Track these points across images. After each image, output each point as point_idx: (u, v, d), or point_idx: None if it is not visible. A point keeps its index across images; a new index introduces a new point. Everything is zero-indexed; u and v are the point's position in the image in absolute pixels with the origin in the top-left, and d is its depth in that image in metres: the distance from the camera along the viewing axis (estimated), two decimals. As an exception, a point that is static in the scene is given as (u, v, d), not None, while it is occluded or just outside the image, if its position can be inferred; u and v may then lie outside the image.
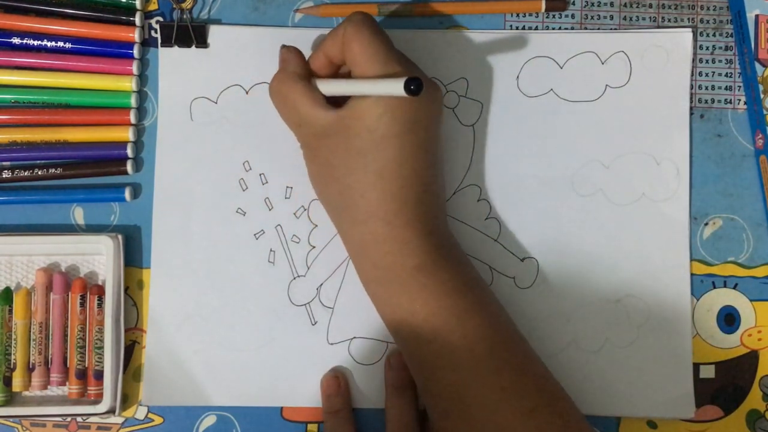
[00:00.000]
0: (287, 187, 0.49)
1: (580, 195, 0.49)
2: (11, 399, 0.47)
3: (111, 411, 0.46)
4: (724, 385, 0.49)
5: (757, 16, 0.49)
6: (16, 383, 0.46)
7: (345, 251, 0.45)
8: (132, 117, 0.48)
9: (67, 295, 0.47)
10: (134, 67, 0.48)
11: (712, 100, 0.50)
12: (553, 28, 0.50)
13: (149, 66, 0.49)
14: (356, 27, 0.41)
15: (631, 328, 0.48)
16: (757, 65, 0.49)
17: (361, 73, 0.41)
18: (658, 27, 0.50)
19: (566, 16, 0.50)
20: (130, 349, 0.48)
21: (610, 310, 0.48)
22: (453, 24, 0.50)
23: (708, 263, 0.49)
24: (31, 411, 0.46)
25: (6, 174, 0.48)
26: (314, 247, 0.48)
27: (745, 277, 0.49)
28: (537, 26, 0.50)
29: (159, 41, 0.49)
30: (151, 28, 0.49)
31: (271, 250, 0.48)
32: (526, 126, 0.49)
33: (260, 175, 0.49)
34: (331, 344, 0.48)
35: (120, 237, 0.47)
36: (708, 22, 0.50)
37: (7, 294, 0.47)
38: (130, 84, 0.48)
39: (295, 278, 0.48)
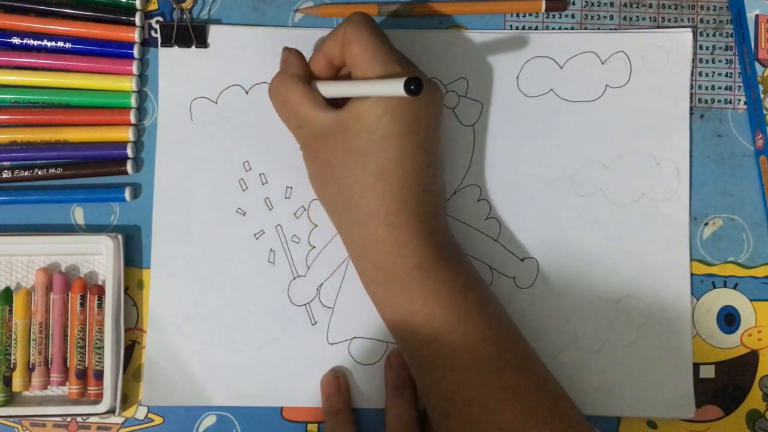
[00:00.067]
0: (287, 187, 0.49)
1: (580, 195, 0.49)
2: (11, 399, 0.47)
3: (111, 411, 0.46)
4: (724, 385, 0.49)
5: (757, 16, 0.49)
6: (16, 383, 0.46)
7: (345, 251, 0.45)
8: (132, 117, 0.48)
9: (67, 295, 0.47)
10: (134, 67, 0.48)
11: (712, 100, 0.50)
12: (553, 28, 0.50)
13: (149, 66, 0.49)
14: (356, 28, 0.41)
15: (631, 328, 0.48)
16: (757, 65, 0.49)
17: (361, 73, 0.41)
18: (658, 27, 0.50)
19: (566, 16, 0.50)
20: (130, 349, 0.48)
21: (610, 310, 0.48)
22: (453, 24, 0.50)
23: (708, 263, 0.49)
24: (31, 411, 0.46)
25: (6, 174, 0.48)
26: (314, 247, 0.48)
27: (745, 277, 0.49)
28: (537, 26, 0.50)
29: (159, 41, 0.49)
30: (151, 28, 0.49)
31: (271, 250, 0.48)
32: (526, 126, 0.49)
33: (260, 175, 0.49)
34: (331, 344, 0.48)
35: (120, 237, 0.47)
36: (708, 22, 0.50)
37: (7, 294, 0.47)
38: (130, 84, 0.48)
39: (295, 278, 0.48)
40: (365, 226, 0.42)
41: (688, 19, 0.50)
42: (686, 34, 0.50)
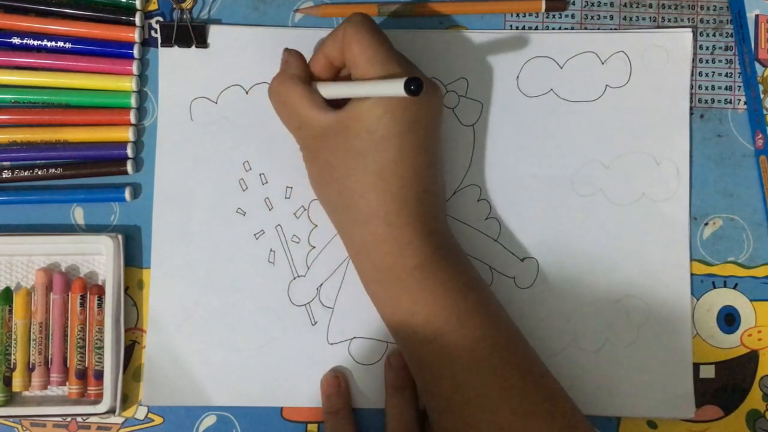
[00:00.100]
0: (287, 187, 0.49)
1: (580, 195, 0.49)
2: (11, 399, 0.47)
3: (111, 411, 0.46)
4: (724, 385, 0.49)
5: (757, 16, 0.49)
6: (16, 383, 0.46)
7: (345, 251, 0.45)
8: (132, 117, 0.48)
9: (67, 295, 0.47)
10: (134, 67, 0.48)
11: (712, 100, 0.50)
12: (553, 28, 0.50)
13: (149, 66, 0.49)
14: (355, 28, 0.41)
15: (631, 328, 0.48)
16: (757, 65, 0.49)
17: (361, 74, 0.41)
18: (658, 27, 0.50)
19: (566, 16, 0.50)
20: (130, 349, 0.48)
21: (610, 310, 0.48)
22: (453, 24, 0.50)
23: (708, 263, 0.49)
24: (31, 411, 0.46)
25: (6, 174, 0.48)
26: (314, 247, 0.48)
27: (745, 277, 0.49)
28: (537, 26, 0.50)
29: (159, 41, 0.49)
30: (151, 28, 0.49)
31: (271, 250, 0.48)
32: (526, 126, 0.49)
33: (260, 175, 0.49)
34: (331, 344, 0.48)
35: (120, 237, 0.47)
36: (708, 22, 0.50)
37: (7, 294, 0.47)
38: (130, 84, 0.48)
39: (295, 278, 0.48)
40: (365, 226, 0.42)
41: (688, 19, 0.50)
42: (686, 34, 0.50)
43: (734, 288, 0.49)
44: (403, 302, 0.42)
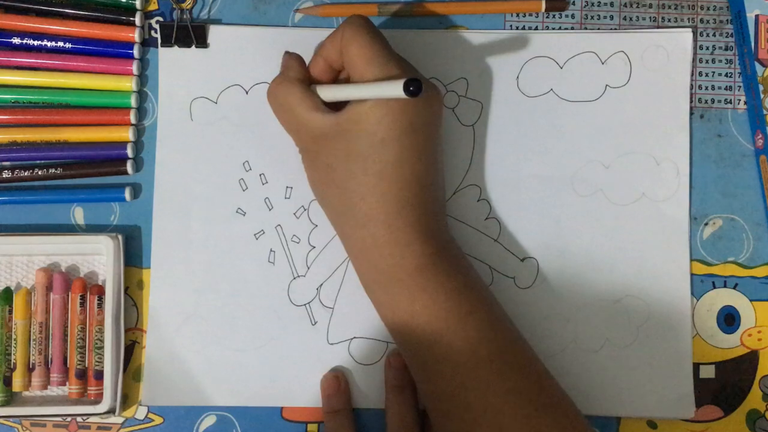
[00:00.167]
0: (287, 187, 0.49)
1: (580, 195, 0.49)
2: (11, 399, 0.47)
3: (111, 411, 0.46)
4: (724, 385, 0.49)
5: (757, 16, 0.49)
6: (16, 383, 0.46)
7: (345, 251, 0.45)
8: (132, 117, 0.48)
9: (67, 295, 0.47)
10: (134, 67, 0.48)
11: (712, 100, 0.50)
12: (553, 28, 0.50)
13: (149, 66, 0.49)
14: (354, 30, 0.41)
15: (631, 328, 0.48)
16: (757, 65, 0.49)
17: (360, 76, 0.41)
18: (658, 27, 0.50)
19: (566, 16, 0.50)
20: (130, 349, 0.48)
21: (610, 310, 0.48)
22: (453, 24, 0.50)
23: (708, 263, 0.49)
24: (31, 411, 0.46)
25: (6, 174, 0.48)
26: (314, 247, 0.48)
27: (745, 277, 0.49)
28: (537, 26, 0.50)
29: (159, 41, 0.49)
30: (151, 28, 0.49)
31: (271, 250, 0.48)
32: (526, 126, 0.49)
33: (260, 175, 0.49)
34: (331, 344, 0.48)
35: (120, 237, 0.47)
36: (708, 22, 0.50)
37: (7, 294, 0.47)
38: (130, 84, 0.48)
39: (295, 278, 0.48)
40: (365, 228, 0.42)
41: (688, 19, 0.50)
42: (686, 34, 0.50)
43: (734, 288, 0.49)
44: (402, 304, 0.42)
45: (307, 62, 0.45)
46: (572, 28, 0.50)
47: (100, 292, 0.47)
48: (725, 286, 0.49)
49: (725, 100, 0.50)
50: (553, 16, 0.50)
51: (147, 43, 0.49)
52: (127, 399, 0.48)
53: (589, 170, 0.49)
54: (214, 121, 0.49)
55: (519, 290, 0.48)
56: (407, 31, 0.49)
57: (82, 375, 0.47)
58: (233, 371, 0.48)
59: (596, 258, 0.48)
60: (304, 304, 0.48)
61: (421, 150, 0.42)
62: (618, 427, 0.48)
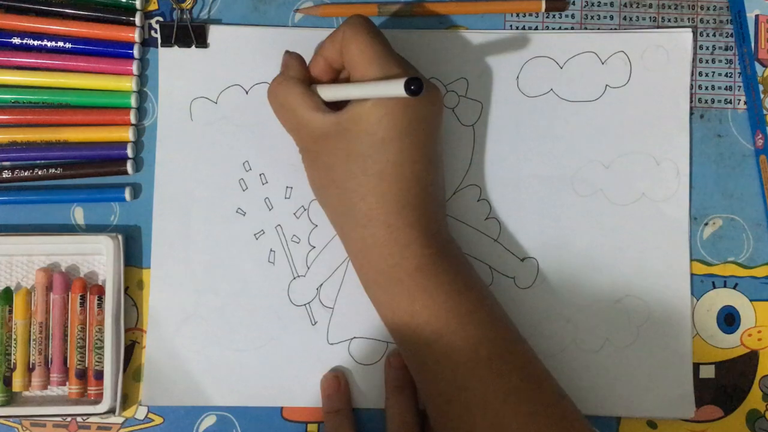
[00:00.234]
0: (287, 187, 0.49)
1: (580, 195, 0.49)
2: (11, 399, 0.47)
3: (111, 411, 0.46)
4: (724, 385, 0.49)
5: (757, 16, 0.49)
6: (16, 383, 0.46)
7: (345, 251, 0.45)
8: (132, 117, 0.48)
9: (67, 295, 0.47)
10: (134, 67, 0.48)
11: (712, 100, 0.50)
12: (553, 28, 0.50)
13: (149, 66, 0.49)
14: (354, 30, 0.41)
15: (631, 328, 0.48)
16: (757, 65, 0.49)
17: (360, 75, 0.41)
18: (658, 27, 0.50)
19: (566, 16, 0.50)
20: (130, 349, 0.48)
21: (610, 310, 0.48)
22: (453, 24, 0.50)
23: (708, 263, 0.49)
24: (31, 411, 0.46)
25: (6, 174, 0.48)
26: (314, 247, 0.48)
27: (745, 277, 0.49)
28: (537, 26, 0.50)
29: (159, 41, 0.49)
30: (151, 28, 0.49)
31: (271, 250, 0.48)
32: (526, 126, 0.49)
33: (260, 175, 0.49)
34: (331, 344, 0.48)
35: (120, 237, 0.47)
36: (708, 22, 0.50)
37: (7, 294, 0.47)
38: (130, 84, 0.48)
39: (295, 278, 0.48)
40: (365, 228, 0.42)
41: (688, 19, 0.50)
42: (686, 34, 0.50)
43: (734, 288, 0.49)
44: (402, 304, 0.42)
45: (307, 62, 0.45)
46: (572, 28, 0.50)
47: (100, 292, 0.47)
48: (725, 286, 0.49)
49: (725, 100, 0.50)
50: (553, 16, 0.50)
51: (147, 43, 0.49)
52: (127, 399, 0.48)
53: (589, 170, 0.49)
54: (214, 121, 0.49)
55: (519, 290, 0.48)
56: (407, 31, 0.49)
57: (82, 375, 0.47)
58: (233, 371, 0.48)
59: (596, 258, 0.48)
60: (304, 304, 0.48)
61: (422, 150, 0.42)
62: (618, 427, 0.48)
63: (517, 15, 0.50)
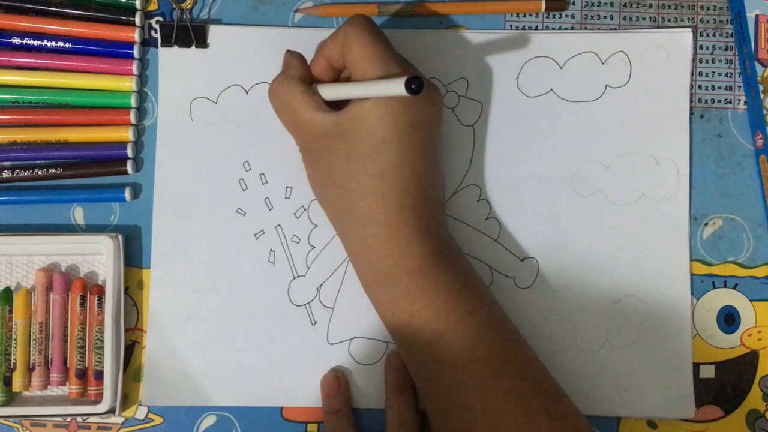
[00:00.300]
0: (287, 187, 0.49)
1: (580, 195, 0.49)
2: (11, 399, 0.47)
3: (111, 411, 0.46)
4: (724, 385, 0.49)
5: (757, 16, 0.49)
6: (16, 383, 0.46)
7: (345, 251, 0.45)
8: (132, 117, 0.48)
9: (67, 295, 0.47)
10: (134, 67, 0.48)
11: (712, 100, 0.50)
12: (553, 28, 0.50)
13: (149, 66, 0.49)
14: (356, 29, 0.41)
15: (631, 328, 0.48)
16: (757, 65, 0.49)
17: (361, 74, 0.41)
18: (658, 27, 0.50)
19: (566, 16, 0.50)
20: (130, 349, 0.48)
21: (610, 310, 0.48)
22: (453, 24, 0.50)
23: (708, 263, 0.49)
24: (31, 411, 0.46)
25: (6, 174, 0.48)
26: (314, 247, 0.48)
27: (745, 277, 0.49)
28: (537, 26, 0.50)
29: (159, 41, 0.49)
30: (151, 28, 0.49)
31: (271, 250, 0.48)
32: (526, 126, 0.49)
33: (260, 175, 0.49)
34: (331, 344, 0.48)
35: (120, 237, 0.47)
36: (708, 22, 0.50)
37: (7, 294, 0.47)
38: (130, 84, 0.48)
39: (295, 278, 0.48)
40: (365, 228, 0.42)
41: (688, 19, 0.50)
42: (686, 34, 0.50)
43: (734, 288, 0.49)
44: (402, 304, 0.42)
45: (308, 62, 0.45)
46: (572, 28, 0.50)
47: (100, 292, 0.47)
48: (725, 286, 0.49)
49: (725, 100, 0.50)
50: (553, 16, 0.50)
51: (147, 43, 0.49)
52: (127, 399, 0.48)
53: (589, 170, 0.49)
54: (214, 121, 0.49)
55: (519, 290, 0.48)
56: (407, 31, 0.49)
57: (82, 375, 0.47)
58: (233, 371, 0.48)
59: (596, 258, 0.48)
60: (304, 304, 0.48)
61: (422, 150, 0.42)
62: (618, 427, 0.48)
63: (517, 15, 0.50)
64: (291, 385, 0.48)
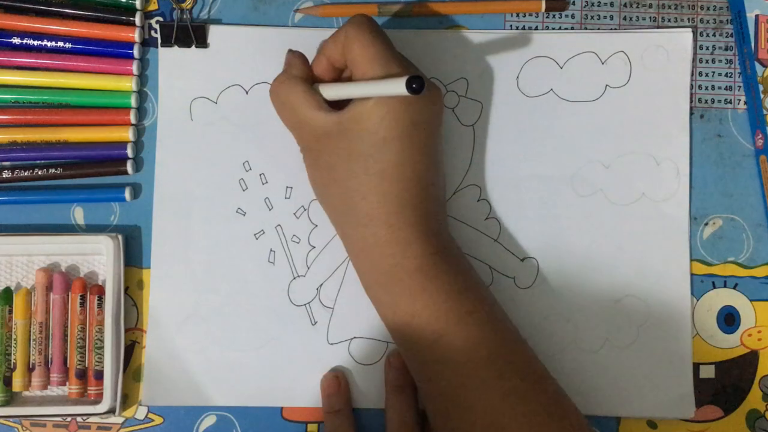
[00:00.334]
0: (287, 187, 0.49)
1: (580, 195, 0.49)
2: (11, 399, 0.47)
3: (111, 411, 0.46)
4: (724, 385, 0.49)
5: (757, 16, 0.49)
6: (16, 383, 0.46)
7: (345, 251, 0.45)
8: (132, 117, 0.48)
9: (67, 295, 0.47)
10: (134, 67, 0.48)
11: (712, 100, 0.50)
12: (553, 28, 0.50)
13: (149, 66, 0.49)
14: (357, 29, 0.41)
15: (631, 328, 0.48)
16: (757, 65, 0.49)
17: (362, 74, 0.41)
18: (658, 27, 0.50)
19: (566, 16, 0.50)
20: (130, 349, 0.48)
21: (610, 310, 0.48)
22: (453, 24, 0.50)
23: (708, 263, 0.49)
24: (31, 411, 0.46)
25: (6, 174, 0.48)
26: (314, 247, 0.48)
27: (745, 277, 0.49)
28: (537, 26, 0.50)
29: (159, 41, 0.49)
30: (151, 28, 0.49)
31: (271, 250, 0.48)
32: (526, 126, 0.49)
33: (260, 175, 0.49)
34: (331, 344, 0.48)
35: (120, 237, 0.47)
36: (708, 22, 0.50)
37: (7, 294, 0.47)
38: (130, 84, 0.48)
39: (295, 278, 0.48)
40: (366, 228, 0.42)
41: (688, 19, 0.50)
42: (686, 34, 0.50)
43: (734, 288, 0.49)
44: (403, 304, 0.42)
45: (310, 61, 0.45)
46: (572, 28, 0.50)
47: (100, 292, 0.47)
48: (725, 286, 0.49)
49: (725, 100, 0.50)
50: (553, 16, 0.50)
51: (147, 43, 0.49)
52: (127, 399, 0.48)
53: (589, 170, 0.49)
54: (214, 121, 0.49)
55: (519, 290, 0.48)
56: (407, 31, 0.49)
57: (82, 375, 0.47)
58: (233, 371, 0.48)
59: (596, 258, 0.48)
60: (304, 304, 0.48)
61: (423, 149, 0.42)
62: (618, 427, 0.48)
63: (517, 15, 0.50)
64: (291, 385, 0.48)
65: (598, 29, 0.50)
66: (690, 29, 0.50)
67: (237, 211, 0.49)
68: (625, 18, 0.50)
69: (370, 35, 0.41)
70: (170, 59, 0.49)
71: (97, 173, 0.48)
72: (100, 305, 0.47)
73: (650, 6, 0.50)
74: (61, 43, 0.48)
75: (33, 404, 0.47)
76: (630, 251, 0.48)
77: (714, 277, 0.49)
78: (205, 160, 0.49)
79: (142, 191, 0.49)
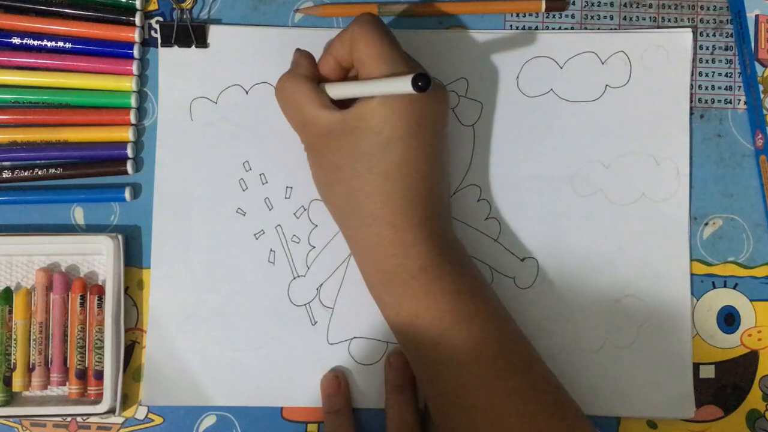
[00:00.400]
0: (287, 187, 0.49)
1: (580, 195, 0.49)
2: (11, 399, 0.47)
3: (111, 411, 0.46)
4: (724, 385, 0.49)
5: (757, 16, 0.49)
6: (16, 383, 0.46)
7: (345, 251, 0.45)
8: (132, 117, 0.48)
9: (67, 295, 0.47)
10: (134, 67, 0.48)
11: (712, 100, 0.50)
12: (553, 28, 0.50)
13: (149, 66, 0.49)
14: (363, 28, 0.41)
15: (631, 328, 0.48)
16: (757, 65, 0.49)
17: (368, 72, 0.41)
18: (658, 27, 0.50)
19: (566, 16, 0.50)
20: (130, 349, 0.48)
21: (610, 310, 0.48)
22: (453, 24, 0.50)
23: (708, 263, 0.49)
24: (31, 411, 0.46)
25: (6, 174, 0.48)
26: (314, 247, 0.48)
27: (745, 277, 0.49)
28: (537, 26, 0.50)
29: (159, 41, 0.49)
30: (151, 28, 0.49)
31: (271, 250, 0.48)
32: (526, 126, 0.49)
33: (260, 175, 0.49)
34: (331, 344, 0.48)
35: (120, 237, 0.47)
36: (708, 22, 0.50)
37: (7, 294, 0.47)
38: (130, 84, 0.48)
39: (295, 278, 0.48)
40: (370, 227, 0.42)
41: (688, 19, 0.50)
42: (686, 34, 0.50)
43: (734, 288, 0.49)
44: (406, 304, 0.42)
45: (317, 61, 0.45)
46: (572, 28, 0.50)
47: (100, 292, 0.47)
48: (725, 286, 0.49)
49: (725, 100, 0.50)
50: (553, 16, 0.50)
51: (147, 43, 0.49)
52: (127, 399, 0.48)
53: (589, 170, 0.49)
54: (214, 121, 0.49)
55: (519, 290, 0.48)
56: (407, 31, 0.49)
57: (82, 375, 0.47)
58: (233, 371, 0.48)
59: (596, 258, 0.48)
60: (304, 304, 0.48)
61: (427, 149, 0.42)
62: (618, 427, 0.48)
63: (517, 15, 0.50)
64: (291, 385, 0.48)
65: (598, 29, 0.50)
66: (690, 29, 0.50)
67: (237, 211, 0.49)
68: (625, 18, 0.50)
69: (376, 34, 0.41)
70: (170, 59, 0.49)
71: (97, 173, 0.48)
72: (100, 305, 0.47)
73: (650, 6, 0.50)
74: (61, 43, 0.48)
75: (33, 404, 0.47)
76: (630, 251, 0.48)
77: (714, 277, 0.49)
78: (205, 160, 0.49)
79: (142, 191, 0.49)
